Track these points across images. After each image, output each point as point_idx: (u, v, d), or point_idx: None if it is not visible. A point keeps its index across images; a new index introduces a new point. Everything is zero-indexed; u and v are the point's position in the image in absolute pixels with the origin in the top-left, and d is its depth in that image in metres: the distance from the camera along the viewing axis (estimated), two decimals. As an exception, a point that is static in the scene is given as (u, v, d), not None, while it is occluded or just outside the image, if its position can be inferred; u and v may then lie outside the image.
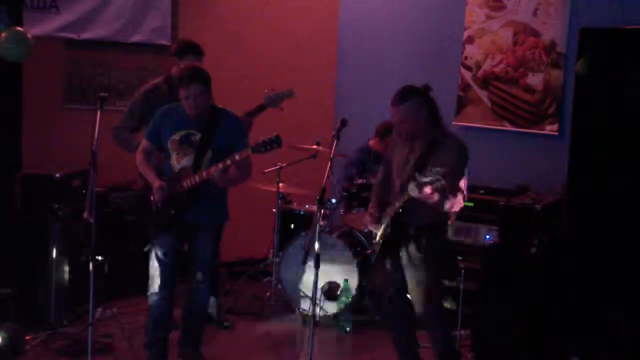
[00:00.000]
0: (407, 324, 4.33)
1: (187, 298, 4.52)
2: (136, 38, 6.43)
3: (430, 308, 4.15)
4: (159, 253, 4.36)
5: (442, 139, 4.06)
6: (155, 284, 4.37)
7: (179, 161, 4.30)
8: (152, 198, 4.33)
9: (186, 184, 4.23)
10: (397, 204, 4.03)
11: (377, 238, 4.22)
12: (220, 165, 4.10)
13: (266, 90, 5.11)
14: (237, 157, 4.09)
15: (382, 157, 5.92)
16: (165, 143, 4.34)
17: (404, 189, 3.94)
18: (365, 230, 5.67)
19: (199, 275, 4.39)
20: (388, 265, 4.21)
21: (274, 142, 4.06)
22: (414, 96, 4.04)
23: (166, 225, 4.34)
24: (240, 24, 6.83)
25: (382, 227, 4.18)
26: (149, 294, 4.43)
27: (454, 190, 3.95)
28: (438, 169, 3.69)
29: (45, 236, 5.03)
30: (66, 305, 5.14)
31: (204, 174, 4.16)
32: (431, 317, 4.18)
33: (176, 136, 4.30)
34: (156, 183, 4.29)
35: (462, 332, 5.04)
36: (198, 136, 4.27)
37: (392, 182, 4.23)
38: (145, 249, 4.46)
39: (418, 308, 4.17)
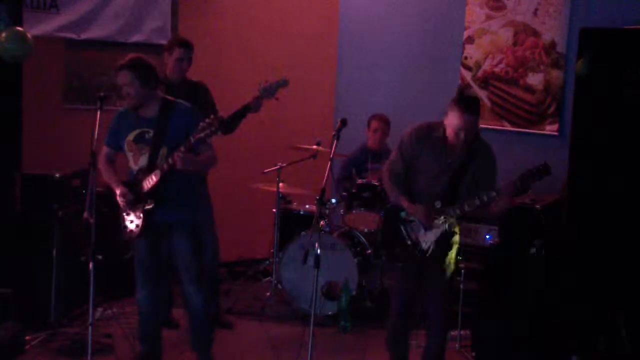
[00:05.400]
0: (409, 328, 4.35)
1: (184, 302, 4.49)
2: (136, 38, 6.42)
3: (447, 310, 4.19)
4: (136, 256, 4.36)
5: (477, 148, 4.06)
6: (137, 284, 4.38)
7: (136, 162, 4.22)
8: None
9: (146, 185, 4.15)
10: (447, 219, 4.04)
11: (426, 246, 4.10)
12: (182, 149, 3.96)
13: (260, 82, 5.10)
14: (191, 140, 3.95)
15: (380, 156, 5.95)
16: (122, 146, 4.27)
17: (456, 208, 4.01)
18: (365, 230, 5.70)
19: (185, 277, 4.32)
20: (413, 272, 4.21)
21: (212, 126, 3.90)
22: (480, 105, 4.10)
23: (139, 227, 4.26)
24: (240, 24, 6.83)
25: (434, 238, 4.10)
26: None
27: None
28: (485, 197, 3.90)
29: (45, 236, 5.03)
30: (66, 305, 5.14)
31: (164, 166, 4.05)
32: (444, 320, 4.19)
33: (130, 136, 4.22)
34: (118, 190, 4.24)
35: (462, 332, 5.05)
36: (151, 133, 4.18)
37: (418, 183, 4.14)
38: (128, 256, 4.43)
39: (437, 309, 4.17)
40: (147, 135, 4.19)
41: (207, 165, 4.35)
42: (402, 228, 4.14)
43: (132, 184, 4.22)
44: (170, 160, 4.04)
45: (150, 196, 4.16)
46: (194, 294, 4.34)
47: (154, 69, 4.23)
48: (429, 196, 4.08)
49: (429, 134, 4.11)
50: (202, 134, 3.92)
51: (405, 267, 4.19)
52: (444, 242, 4.08)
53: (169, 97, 4.28)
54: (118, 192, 4.24)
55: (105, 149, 4.38)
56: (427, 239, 4.07)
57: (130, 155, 4.25)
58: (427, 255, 4.08)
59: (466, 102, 3.99)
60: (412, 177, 4.16)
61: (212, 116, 3.98)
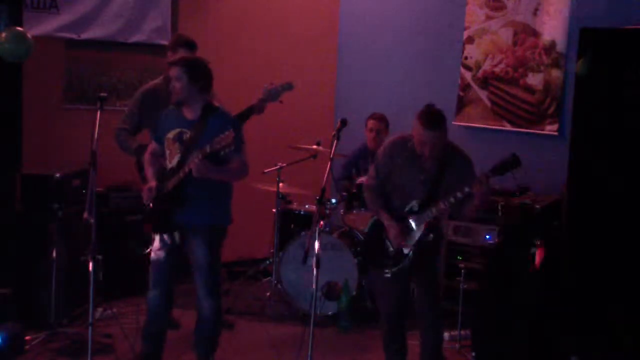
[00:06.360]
0: (404, 328, 4.36)
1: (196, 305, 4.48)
2: (136, 38, 6.43)
3: (438, 307, 4.23)
4: (152, 253, 4.36)
5: (450, 156, 4.07)
6: (150, 281, 4.38)
7: (170, 160, 4.26)
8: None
9: (171, 183, 4.19)
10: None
11: (408, 251, 4.14)
12: (200, 155, 3.97)
13: (265, 85, 5.10)
14: (207, 149, 3.95)
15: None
16: (163, 143, 4.32)
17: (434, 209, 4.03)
18: (365, 230, 5.69)
19: (198, 281, 4.31)
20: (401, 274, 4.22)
21: (227, 139, 3.88)
22: (445, 120, 4.02)
23: (158, 226, 4.30)
24: (240, 24, 6.83)
25: (415, 240, 4.13)
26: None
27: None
28: (458, 194, 3.91)
29: (45, 236, 5.03)
30: (66, 305, 5.14)
31: (185, 169, 4.07)
32: (436, 318, 4.23)
33: (171, 134, 4.26)
34: (147, 184, 4.28)
35: (462, 332, 5.04)
36: (189, 134, 4.21)
37: (396, 194, 4.19)
38: (145, 251, 4.44)
39: (430, 309, 4.20)
40: (184, 136, 4.23)
41: (234, 176, 4.31)
42: (385, 237, 4.20)
43: (161, 180, 4.26)
44: (185, 169, 4.08)
45: (172, 196, 4.19)
46: (204, 299, 4.32)
47: (207, 73, 4.28)
48: (406, 204, 4.14)
49: (400, 149, 4.16)
50: (217, 146, 3.91)
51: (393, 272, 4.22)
52: (427, 243, 4.12)
53: (214, 103, 4.30)
54: (145, 186, 4.28)
55: (152, 144, 4.44)
56: (408, 244, 4.13)
57: (167, 152, 4.29)
58: (412, 258, 4.12)
59: (428, 118, 3.94)
60: (390, 189, 4.22)
61: (230, 130, 3.93)
